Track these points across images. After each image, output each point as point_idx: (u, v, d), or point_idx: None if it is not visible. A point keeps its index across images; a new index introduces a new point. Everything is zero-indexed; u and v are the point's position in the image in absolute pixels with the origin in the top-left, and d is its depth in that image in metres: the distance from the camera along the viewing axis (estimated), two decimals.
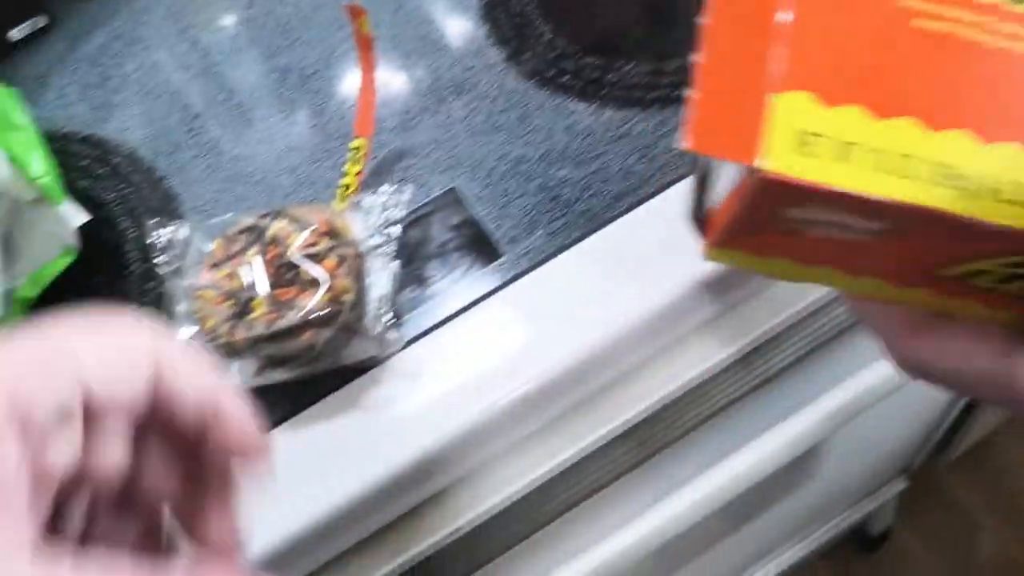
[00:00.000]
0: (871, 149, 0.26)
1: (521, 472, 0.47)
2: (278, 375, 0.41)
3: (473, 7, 0.54)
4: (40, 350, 0.21)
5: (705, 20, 0.27)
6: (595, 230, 0.45)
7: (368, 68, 0.46)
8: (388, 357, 0.42)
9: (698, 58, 0.27)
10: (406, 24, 0.54)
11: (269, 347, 0.39)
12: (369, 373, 0.43)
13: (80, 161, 0.53)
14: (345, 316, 0.39)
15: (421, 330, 0.43)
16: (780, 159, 0.25)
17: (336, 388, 0.42)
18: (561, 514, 0.52)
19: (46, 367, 0.21)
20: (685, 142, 0.26)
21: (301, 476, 0.41)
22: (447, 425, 0.41)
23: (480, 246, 0.45)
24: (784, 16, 0.26)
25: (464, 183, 0.47)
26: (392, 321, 0.41)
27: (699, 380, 0.47)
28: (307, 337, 0.38)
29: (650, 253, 0.44)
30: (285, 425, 0.42)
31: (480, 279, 0.44)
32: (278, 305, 0.38)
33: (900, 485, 1.03)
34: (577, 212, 0.45)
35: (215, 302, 0.39)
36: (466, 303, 0.44)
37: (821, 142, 0.26)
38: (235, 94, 0.54)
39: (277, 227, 0.39)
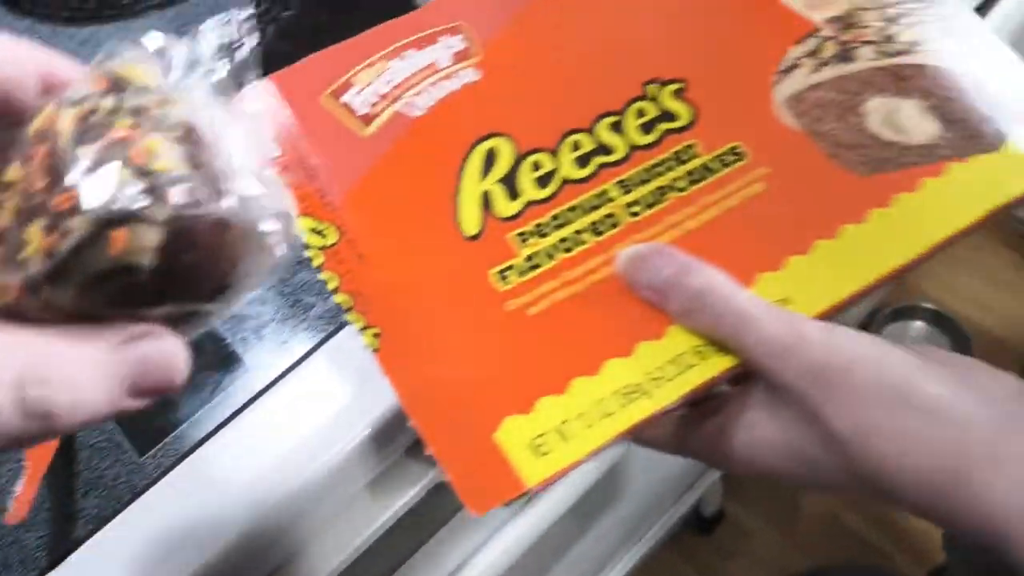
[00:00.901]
0: (576, 416, 0.32)
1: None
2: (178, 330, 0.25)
3: None
4: None
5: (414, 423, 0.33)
6: (338, 330, 0.45)
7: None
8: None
9: (428, 448, 0.33)
10: None
11: (70, 285, 0.23)
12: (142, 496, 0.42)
13: None
14: (173, 188, 0.23)
15: (174, 458, 0.43)
16: (533, 472, 0.31)
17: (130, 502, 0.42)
18: None
19: None
20: (473, 514, 0.31)
21: None
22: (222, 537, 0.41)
23: (225, 362, 0.45)
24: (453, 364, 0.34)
25: None
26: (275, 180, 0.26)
27: None
28: (119, 242, 0.22)
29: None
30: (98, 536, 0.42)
31: (230, 395, 0.44)
32: (58, 219, 0.22)
33: (716, 472, 1.09)
34: (315, 315, 0.45)
35: None
36: (217, 423, 0.44)
37: (546, 438, 0.32)
38: None
39: (38, 120, 0.25)
